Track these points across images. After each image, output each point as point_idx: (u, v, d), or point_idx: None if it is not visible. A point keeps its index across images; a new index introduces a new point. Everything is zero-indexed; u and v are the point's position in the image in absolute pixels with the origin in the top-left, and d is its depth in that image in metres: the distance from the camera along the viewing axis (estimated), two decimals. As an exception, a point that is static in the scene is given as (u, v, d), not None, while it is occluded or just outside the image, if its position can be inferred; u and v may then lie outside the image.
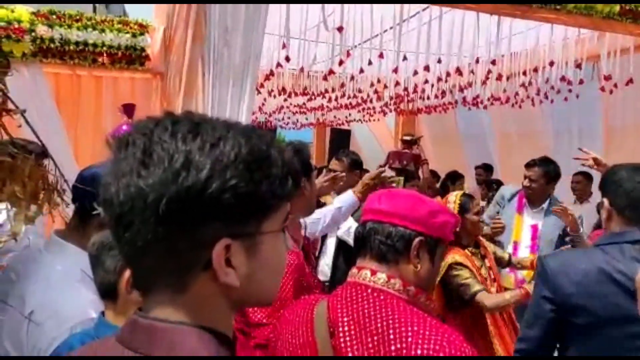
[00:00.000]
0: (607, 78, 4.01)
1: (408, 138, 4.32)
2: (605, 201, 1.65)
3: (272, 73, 3.94)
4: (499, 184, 4.66)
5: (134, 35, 2.69)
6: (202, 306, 0.63)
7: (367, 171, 5.60)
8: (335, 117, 7.40)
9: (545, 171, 3.10)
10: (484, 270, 2.58)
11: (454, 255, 2.45)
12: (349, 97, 5.15)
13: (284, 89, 4.88)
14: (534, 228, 3.16)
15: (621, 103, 4.61)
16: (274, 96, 5.17)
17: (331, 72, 3.85)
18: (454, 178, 4.54)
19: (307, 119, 7.66)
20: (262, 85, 4.65)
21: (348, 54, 3.55)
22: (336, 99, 5.57)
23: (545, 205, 3.16)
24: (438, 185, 4.82)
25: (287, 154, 0.69)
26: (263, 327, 1.57)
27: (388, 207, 1.14)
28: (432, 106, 5.83)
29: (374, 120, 7.00)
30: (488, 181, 5.19)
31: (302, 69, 3.85)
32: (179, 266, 0.62)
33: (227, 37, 3.01)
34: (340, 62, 3.63)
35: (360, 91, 4.82)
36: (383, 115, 6.63)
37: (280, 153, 0.66)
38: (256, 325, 1.59)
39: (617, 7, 3.36)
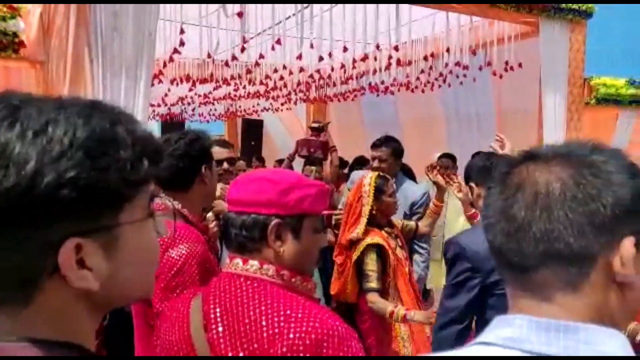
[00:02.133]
0: (489, 63, 4.27)
1: (315, 125, 4.31)
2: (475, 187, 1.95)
3: (171, 59, 3.74)
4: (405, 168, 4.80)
5: (3, 19, 2.40)
6: (52, 317, 0.55)
7: (281, 161, 5.61)
8: (241, 107, 7.25)
9: (393, 149, 3.19)
10: (398, 250, 2.65)
11: (374, 237, 2.50)
12: (254, 84, 5.05)
13: (188, 77, 4.68)
14: None
15: (511, 88, 4.92)
16: (177, 84, 4.95)
17: (234, 58, 3.74)
18: (361, 163, 4.62)
19: (215, 110, 7.44)
20: (160, 73, 4.42)
21: (245, 41, 3.45)
22: (243, 87, 5.45)
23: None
24: (346, 171, 4.88)
25: (140, 130, 0.61)
26: None
27: (238, 195, 1.11)
28: (341, 93, 5.89)
29: (284, 109, 6.96)
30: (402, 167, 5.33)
31: (208, 55, 3.70)
32: (20, 276, 0.53)
33: (116, 22, 2.81)
34: (242, 49, 3.53)
35: (267, 77, 4.74)
36: (293, 104, 6.61)
37: (130, 132, 0.58)
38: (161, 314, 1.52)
39: (502, -4, 3.57)
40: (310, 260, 1.14)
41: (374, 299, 2.44)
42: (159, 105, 7.02)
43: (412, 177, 3.77)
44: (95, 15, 2.74)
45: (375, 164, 3.16)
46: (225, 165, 2.76)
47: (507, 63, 4.18)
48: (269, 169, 1.23)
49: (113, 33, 2.81)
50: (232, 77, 4.74)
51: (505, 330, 0.62)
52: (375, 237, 2.50)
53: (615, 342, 0.59)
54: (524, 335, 0.60)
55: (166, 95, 6.29)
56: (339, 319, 0.99)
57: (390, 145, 3.21)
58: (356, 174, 3.54)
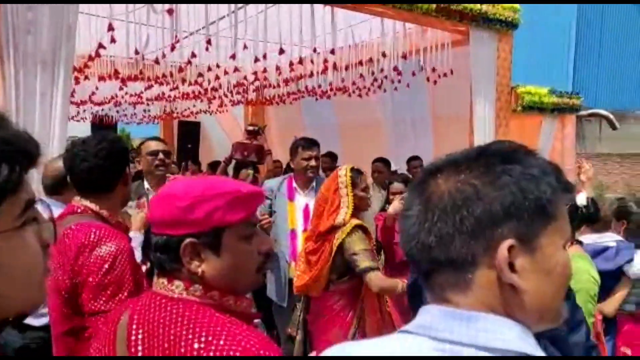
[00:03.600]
0: (433, 70, 4.38)
1: (251, 128, 4.23)
2: None
3: (97, 55, 3.53)
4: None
5: None
6: None
7: (215, 164, 5.46)
8: (177, 109, 7.01)
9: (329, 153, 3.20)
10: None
11: (359, 221, 2.43)
12: (190, 84, 4.88)
13: (116, 72, 4.45)
14: (306, 208, 3.14)
15: (445, 95, 5.06)
16: (105, 80, 4.69)
17: (164, 56, 3.59)
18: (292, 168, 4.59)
19: (148, 110, 7.16)
20: (81, 70, 4.18)
21: (177, 40, 3.33)
22: (176, 87, 5.26)
23: (314, 184, 3.19)
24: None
25: (6, 135, 0.54)
26: (99, 316, 1.49)
27: (152, 215, 1.03)
28: (279, 96, 5.83)
29: (221, 111, 6.80)
30: (334, 169, 5.35)
31: (136, 52, 3.53)
32: None
33: (30, 16, 2.61)
34: (173, 48, 3.40)
35: (200, 75, 4.59)
36: (231, 105, 6.47)
37: None
38: (94, 314, 1.50)
39: (433, 6, 3.65)
40: (244, 274, 1.03)
41: (377, 278, 2.29)
42: (83, 103, 6.60)
43: None
44: (5, 9, 2.53)
45: (313, 162, 3.13)
46: (160, 155, 2.80)
47: (434, 70, 4.29)
48: (183, 179, 1.13)
49: (28, 27, 2.61)
50: (164, 76, 4.55)
51: (423, 318, 0.66)
52: (360, 221, 2.45)
53: (513, 331, 0.62)
54: (434, 323, 0.64)
55: (94, 93, 5.97)
56: (266, 343, 0.93)
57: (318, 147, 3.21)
58: (272, 182, 3.42)
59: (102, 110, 7.31)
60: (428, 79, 4.51)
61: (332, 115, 6.46)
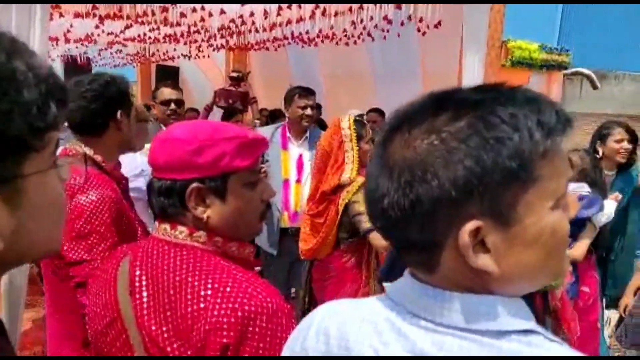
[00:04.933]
0: (420, 20, 4.25)
1: (235, 74, 4.10)
2: None
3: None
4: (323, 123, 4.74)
5: None
6: None
7: (197, 111, 5.31)
8: (156, 51, 6.72)
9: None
10: None
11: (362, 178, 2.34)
12: (172, 26, 4.64)
13: (94, 8, 4.17)
14: (299, 158, 3.11)
15: (435, 48, 4.95)
16: (81, 17, 4.43)
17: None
18: (277, 117, 4.49)
19: (125, 52, 6.85)
20: (56, 6, 3.93)
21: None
22: (157, 28, 5.01)
23: (307, 134, 3.16)
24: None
25: (42, 65, 0.51)
26: (84, 264, 1.45)
27: (155, 159, 1.00)
28: (263, 42, 5.63)
29: (201, 56, 6.56)
30: (319, 120, 5.27)
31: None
32: None
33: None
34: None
35: (183, 15, 4.36)
36: (212, 50, 6.24)
37: (31, 67, 0.50)
38: (76, 263, 1.46)
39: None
40: (247, 220, 1.02)
41: (378, 237, 2.19)
42: (56, 40, 6.22)
43: None
44: None
45: (308, 112, 3.07)
46: (172, 105, 2.79)
47: (421, 20, 4.17)
48: (185, 123, 1.09)
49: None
50: (145, 14, 4.31)
51: (402, 285, 0.62)
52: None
53: (494, 308, 0.56)
54: (411, 297, 0.60)
55: (69, 31, 5.65)
56: (272, 291, 0.93)
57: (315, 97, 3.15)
58: (264, 130, 3.33)
59: (76, 49, 6.96)
60: (419, 30, 4.39)
61: (318, 65, 6.31)
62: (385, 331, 0.59)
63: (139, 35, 5.69)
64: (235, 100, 4.00)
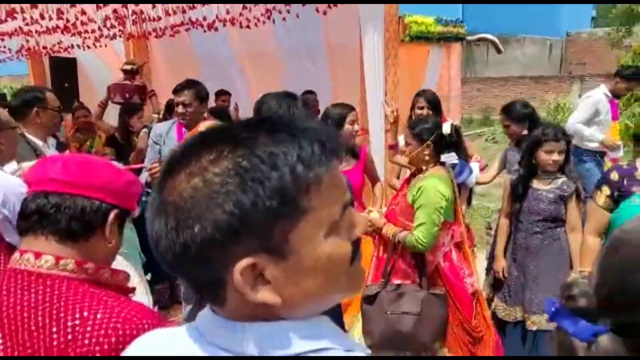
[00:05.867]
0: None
1: (128, 67, 3.89)
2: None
3: None
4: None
5: None
6: None
7: (87, 109, 4.96)
8: (44, 43, 6.20)
9: (197, 92, 3.03)
10: None
11: None
12: (50, 19, 4.27)
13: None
14: None
15: (337, 25, 4.96)
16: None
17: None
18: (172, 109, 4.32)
19: (6, 47, 6.27)
20: None
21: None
22: (36, 21, 4.59)
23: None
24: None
25: None
26: None
27: (79, 177, 0.97)
28: (162, 29, 5.36)
29: (97, 46, 6.15)
30: (218, 111, 5.17)
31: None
32: None
33: None
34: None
35: (60, 12, 4.04)
36: (108, 40, 5.86)
37: None
38: None
39: None
40: (115, 252, 1.06)
41: None
42: None
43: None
44: None
45: (180, 109, 2.97)
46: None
47: None
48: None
49: None
50: (14, 11, 3.95)
51: (203, 317, 0.63)
52: None
53: (288, 333, 0.57)
54: (209, 328, 0.60)
55: None
56: (148, 312, 0.92)
57: (193, 89, 3.01)
58: (160, 127, 3.29)
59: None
60: (317, 10, 4.37)
61: (226, 48, 6.13)
62: None
63: (17, 29, 5.22)
64: (131, 94, 3.80)
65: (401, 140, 2.80)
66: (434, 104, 3.50)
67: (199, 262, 0.55)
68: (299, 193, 0.54)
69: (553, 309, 0.62)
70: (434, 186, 2.34)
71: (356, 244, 0.61)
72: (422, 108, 3.51)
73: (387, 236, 2.42)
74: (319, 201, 0.56)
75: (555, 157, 2.64)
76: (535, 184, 2.72)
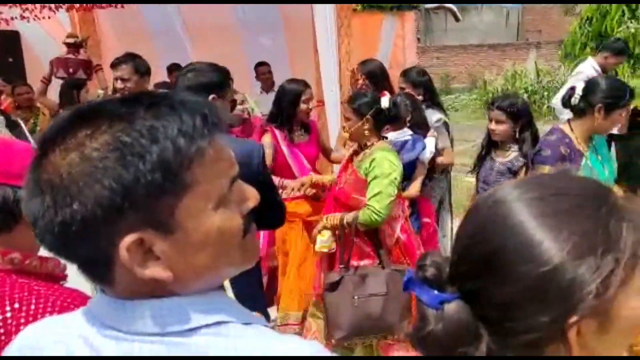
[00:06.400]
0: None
1: (71, 40, 3.72)
2: None
3: None
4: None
5: None
6: None
7: (29, 86, 4.72)
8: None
9: (136, 66, 2.94)
10: None
11: None
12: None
13: None
14: None
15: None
16: None
17: None
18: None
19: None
20: None
21: None
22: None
23: None
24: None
25: None
26: None
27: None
28: (106, -1, 5.13)
29: (43, 17, 5.84)
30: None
31: None
32: None
33: None
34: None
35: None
36: (51, 12, 5.57)
37: None
38: None
39: None
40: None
41: None
42: None
43: None
44: None
45: (119, 84, 2.87)
46: None
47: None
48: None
49: None
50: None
51: (96, 300, 0.63)
52: None
53: (181, 309, 0.58)
54: (102, 310, 0.60)
55: None
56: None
57: (132, 62, 2.92)
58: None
59: None
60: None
61: (179, 20, 5.94)
62: (77, 349, 0.59)
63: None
64: (75, 69, 3.65)
65: None
66: (372, 75, 3.40)
67: (82, 240, 0.54)
68: (182, 167, 0.54)
69: (406, 279, 0.64)
70: (386, 158, 2.33)
71: (248, 218, 0.62)
72: (359, 79, 3.49)
73: (335, 224, 2.36)
74: (203, 175, 0.56)
75: (492, 125, 2.65)
76: (493, 154, 2.74)
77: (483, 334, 0.59)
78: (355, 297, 2.25)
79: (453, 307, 0.60)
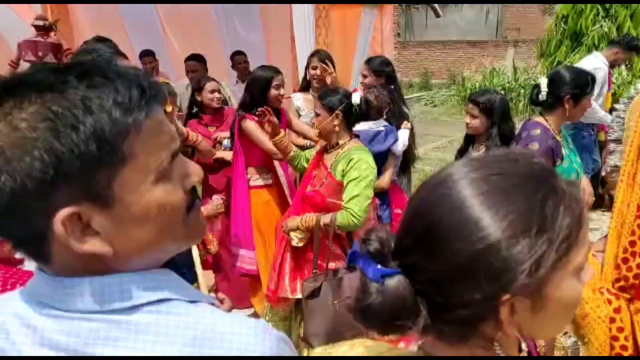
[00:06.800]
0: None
1: (40, 22, 3.62)
2: None
3: None
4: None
5: None
6: None
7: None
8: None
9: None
10: None
11: None
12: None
13: None
14: None
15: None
16: None
17: None
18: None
19: None
20: None
21: None
22: None
23: None
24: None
25: None
26: None
27: None
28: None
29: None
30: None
31: None
32: None
33: None
34: None
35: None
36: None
37: None
38: None
39: None
40: None
41: None
42: None
43: None
44: None
45: None
46: None
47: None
48: None
49: None
50: None
51: (35, 280, 0.61)
52: None
53: (122, 285, 0.57)
54: (41, 289, 0.59)
55: None
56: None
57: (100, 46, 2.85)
58: None
59: None
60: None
61: (152, 6, 5.83)
62: (13, 329, 0.57)
63: None
64: (45, 52, 3.57)
65: None
66: (380, 71, 3.32)
67: (13, 215, 0.52)
68: (118, 139, 0.53)
69: (350, 252, 0.65)
70: (364, 159, 2.29)
71: (192, 193, 0.61)
72: (315, 68, 3.46)
73: (311, 226, 2.30)
74: (141, 148, 0.54)
75: (467, 119, 2.69)
76: (471, 148, 2.76)
77: (422, 309, 0.60)
78: (335, 303, 2.21)
79: (394, 282, 0.60)
